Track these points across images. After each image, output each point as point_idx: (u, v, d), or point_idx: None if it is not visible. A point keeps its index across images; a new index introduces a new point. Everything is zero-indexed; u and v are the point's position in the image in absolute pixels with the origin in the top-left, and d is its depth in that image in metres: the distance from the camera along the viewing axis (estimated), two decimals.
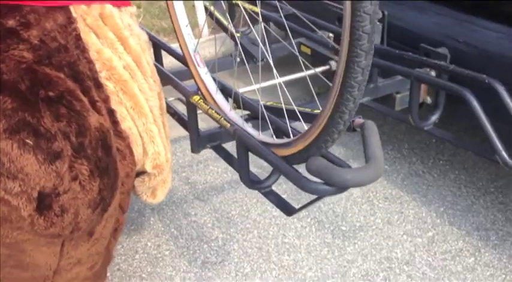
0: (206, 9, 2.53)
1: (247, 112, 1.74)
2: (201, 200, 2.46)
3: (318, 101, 1.44)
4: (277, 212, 2.38)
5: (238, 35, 2.26)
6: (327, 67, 2.21)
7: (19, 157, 1.19)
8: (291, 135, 1.37)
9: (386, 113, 2.26)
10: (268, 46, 1.46)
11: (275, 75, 1.41)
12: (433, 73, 1.98)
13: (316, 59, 2.28)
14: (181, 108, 2.05)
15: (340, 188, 1.23)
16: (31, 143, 1.19)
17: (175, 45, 2.08)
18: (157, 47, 2.20)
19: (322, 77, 1.44)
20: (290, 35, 1.68)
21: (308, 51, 2.30)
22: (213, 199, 2.46)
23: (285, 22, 2.04)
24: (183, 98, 2.02)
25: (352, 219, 2.34)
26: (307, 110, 1.42)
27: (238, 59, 2.28)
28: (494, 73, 1.83)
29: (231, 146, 1.91)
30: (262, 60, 2.18)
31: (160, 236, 2.27)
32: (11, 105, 1.22)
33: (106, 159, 1.37)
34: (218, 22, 2.26)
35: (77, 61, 1.43)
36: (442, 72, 1.82)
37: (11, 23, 1.36)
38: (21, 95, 1.24)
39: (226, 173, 2.61)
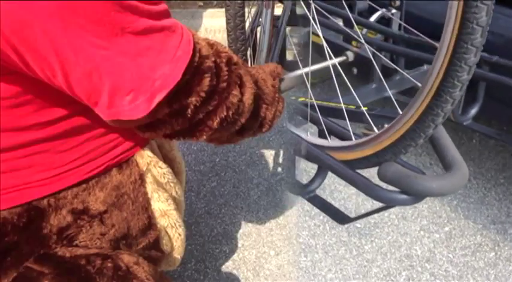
0: None
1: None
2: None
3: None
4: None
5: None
6: (344, 58, 2.08)
7: None
8: (353, 138, 1.24)
9: None
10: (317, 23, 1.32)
11: (327, 56, 1.28)
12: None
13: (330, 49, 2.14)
14: None
15: (419, 197, 1.11)
16: None
17: None
18: None
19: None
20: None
21: (319, 41, 2.15)
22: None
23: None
24: None
25: None
26: (379, 110, 1.29)
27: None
28: None
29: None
30: None
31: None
32: None
33: None
34: None
35: None
36: (482, 63, 1.73)
37: None
38: None
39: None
